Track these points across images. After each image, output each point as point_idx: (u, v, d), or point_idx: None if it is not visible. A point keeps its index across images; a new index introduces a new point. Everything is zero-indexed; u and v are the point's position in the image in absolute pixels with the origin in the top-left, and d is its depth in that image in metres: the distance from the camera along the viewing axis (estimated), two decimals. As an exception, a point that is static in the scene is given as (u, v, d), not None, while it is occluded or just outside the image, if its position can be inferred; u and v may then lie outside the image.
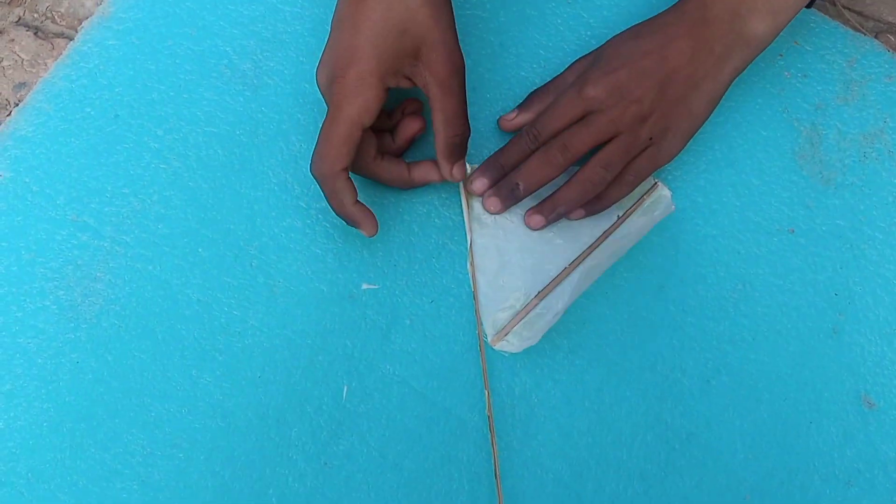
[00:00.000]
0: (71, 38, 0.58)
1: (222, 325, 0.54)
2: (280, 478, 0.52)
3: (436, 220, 0.56)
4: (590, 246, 0.51)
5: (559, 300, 0.52)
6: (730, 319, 0.53)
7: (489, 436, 0.52)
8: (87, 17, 0.59)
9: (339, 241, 0.55)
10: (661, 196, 0.53)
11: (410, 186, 0.52)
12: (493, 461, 0.50)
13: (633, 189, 0.50)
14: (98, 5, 0.59)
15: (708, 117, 0.50)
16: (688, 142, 0.50)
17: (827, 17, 0.60)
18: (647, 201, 0.53)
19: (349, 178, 0.49)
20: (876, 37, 0.59)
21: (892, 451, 0.51)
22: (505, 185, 0.52)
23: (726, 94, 0.55)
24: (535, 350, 0.53)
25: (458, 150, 0.50)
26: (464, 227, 0.55)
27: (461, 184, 0.55)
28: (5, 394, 0.52)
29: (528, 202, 0.53)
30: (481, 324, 0.52)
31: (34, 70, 0.58)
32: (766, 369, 0.52)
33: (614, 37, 0.49)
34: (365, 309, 0.54)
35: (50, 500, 0.51)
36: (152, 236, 0.55)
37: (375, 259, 0.55)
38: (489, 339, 0.53)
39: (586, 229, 0.52)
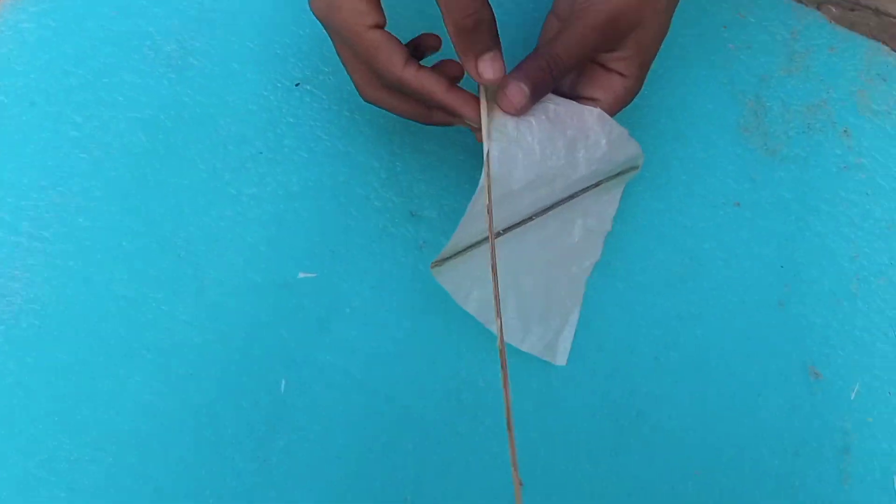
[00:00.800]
0: None
1: (150, 321, 0.50)
2: (217, 478, 0.49)
3: (375, 203, 0.53)
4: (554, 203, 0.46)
5: (503, 248, 0.47)
6: (678, 295, 0.51)
7: (436, 422, 0.49)
8: None
9: (273, 228, 0.52)
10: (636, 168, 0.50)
11: (432, 122, 0.42)
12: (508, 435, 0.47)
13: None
14: None
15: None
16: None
17: None
18: (621, 178, 0.50)
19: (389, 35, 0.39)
20: (818, 8, 0.58)
21: (838, 420, 0.50)
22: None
23: (672, 67, 0.52)
24: (480, 331, 0.51)
25: (477, 37, 0.37)
26: (407, 208, 0.53)
27: (481, 91, 0.43)
28: None
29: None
30: (502, 327, 0.45)
31: (-61, 55, 0.54)
32: (713, 344, 0.50)
33: None
34: (302, 298, 0.51)
35: None
36: (73, 230, 0.51)
37: (312, 246, 0.52)
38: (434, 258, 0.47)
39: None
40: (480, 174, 0.46)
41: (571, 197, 0.48)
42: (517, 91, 0.41)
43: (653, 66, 0.50)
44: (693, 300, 0.50)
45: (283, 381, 0.48)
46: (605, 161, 0.47)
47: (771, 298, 0.50)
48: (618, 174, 0.49)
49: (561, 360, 0.49)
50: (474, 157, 0.52)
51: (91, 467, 0.47)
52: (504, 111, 0.43)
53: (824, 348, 0.50)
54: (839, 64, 0.56)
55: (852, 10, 0.56)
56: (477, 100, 0.42)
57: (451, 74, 0.42)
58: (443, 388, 0.48)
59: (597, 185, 0.49)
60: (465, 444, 0.47)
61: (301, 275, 0.49)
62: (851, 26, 0.56)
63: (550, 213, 0.47)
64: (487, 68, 0.39)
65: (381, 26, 0.38)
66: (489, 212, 0.45)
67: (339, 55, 0.41)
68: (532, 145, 0.46)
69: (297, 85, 0.52)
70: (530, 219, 0.49)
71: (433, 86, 0.40)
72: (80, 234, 0.49)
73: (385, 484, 0.47)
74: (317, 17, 0.40)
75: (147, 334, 0.48)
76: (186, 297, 0.49)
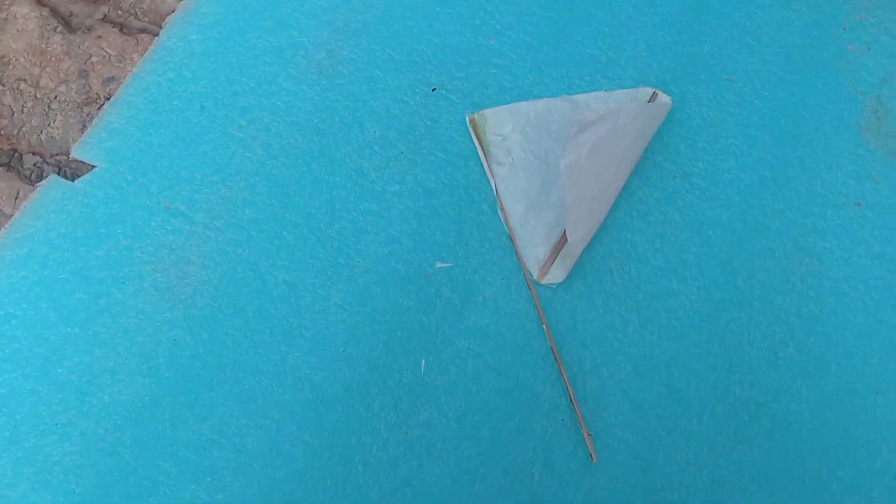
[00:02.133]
0: (154, 34, 0.47)
1: (307, 303, 0.44)
2: (365, 447, 0.43)
3: None
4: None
5: (578, 225, 0.43)
6: (797, 292, 0.41)
7: (562, 406, 0.44)
8: (170, 13, 0.48)
9: (414, 222, 0.45)
10: (663, 104, 0.44)
11: None
12: (569, 398, 0.40)
13: None
14: (179, 1, 0.48)
15: None
16: None
17: None
18: (647, 104, 0.44)
19: None
20: None
21: None
22: None
23: (792, 69, 0.42)
24: (606, 325, 0.43)
25: None
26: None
27: (473, 134, 0.44)
28: (109, 370, 0.43)
29: (542, 157, 0.43)
30: (524, 263, 0.43)
31: (121, 65, 0.48)
32: (832, 341, 0.40)
33: None
34: (440, 287, 0.43)
35: (153, 468, 0.42)
36: (240, 221, 0.45)
37: (448, 239, 0.44)
38: (535, 276, 0.44)
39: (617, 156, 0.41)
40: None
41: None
42: None
43: (773, 68, 0.44)
44: (813, 298, 0.40)
45: (424, 362, 0.41)
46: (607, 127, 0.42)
47: (891, 298, 0.40)
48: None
49: (552, 278, 0.43)
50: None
51: (255, 432, 0.41)
52: None
53: None
54: (967, 64, 0.43)
55: None
56: None
57: None
58: (569, 375, 0.40)
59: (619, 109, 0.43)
60: (590, 428, 0.39)
61: (438, 265, 0.41)
62: None
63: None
64: None
65: None
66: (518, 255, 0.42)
67: None
68: (527, 158, 0.44)
69: (433, 90, 0.44)
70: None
71: None
72: (247, 224, 0.43)
73: (515, 461, 0.40)
74: None
75: (305, 315, 0.42)
76: (339, 283, 0.42)
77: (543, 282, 0.42)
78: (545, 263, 0.41)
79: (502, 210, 0.43)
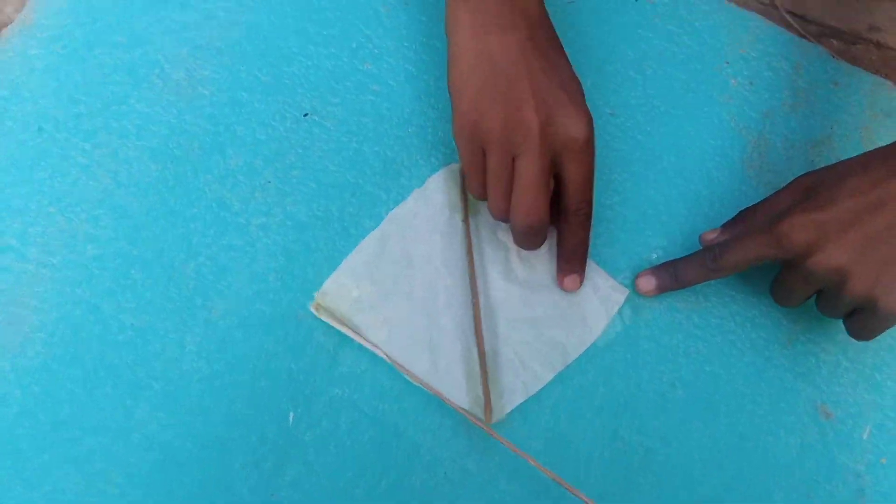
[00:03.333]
0: None
1: (157, 351, 0.38)
2: None
3: None
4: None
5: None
6: (684, 331, 0.39)
7: (444, 459, 0.40)
8: (7, 25, 0.41)
9: (282, 259, 0.39)
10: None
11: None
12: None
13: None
14: (18, 12, 0.41)
15: None
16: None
17: (771, 22, 0.45)
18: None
19: None
20: (820, 41, 0.45)
21: (851, 461, 0.38)
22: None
23: (675, 104, 0.42)
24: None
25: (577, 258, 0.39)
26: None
27: (331, 321, 0.39)
28: None
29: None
30: (465, 411, 0.39)
31: (-53, 81, 0.40)
32: (721, 381, 0.38)
33: (844, 162, 0.33)
34: (311, 331, 0.39)
35: None
36: (81, 258, 0.39)
37: (321, 278, 0.39)
38: (486, 419, 0.40)
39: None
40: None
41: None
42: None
43: (656, 102, 0.43)
44: (700, 336, 0.38)
45: (292, 414, 0.35)
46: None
47: (780, 336, 0.38)
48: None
49: (494, 417, 0.38)
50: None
51: (96, 499, 0.36)
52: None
53: (834, 387, 0.38)
54: (843, 99, 0.43)
55: (854, 43, 0.43)
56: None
57: None
58: (452, 424, 0.36)
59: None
60: (472, 480, 0.35)
61: (311, 306, 0.36)
62: (854, 60, 0.43)
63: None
64: (572, 284, 0.40)
65: None
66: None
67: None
68: (395, 301, 0.41)
69: (305, 115, 0.39)
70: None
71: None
72: (89, 262, 0.37)
73: None
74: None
75: (155, 364, 0.37)
76: (195, 328, 0.36)
77: (498, 420, 0.39)
78: (484, 400, 0.37)
79: (413, 377, 0.38)
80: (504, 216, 0.34)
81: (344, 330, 0.38)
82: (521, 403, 0.39)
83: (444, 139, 0.43)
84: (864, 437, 0.40)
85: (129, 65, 0.43)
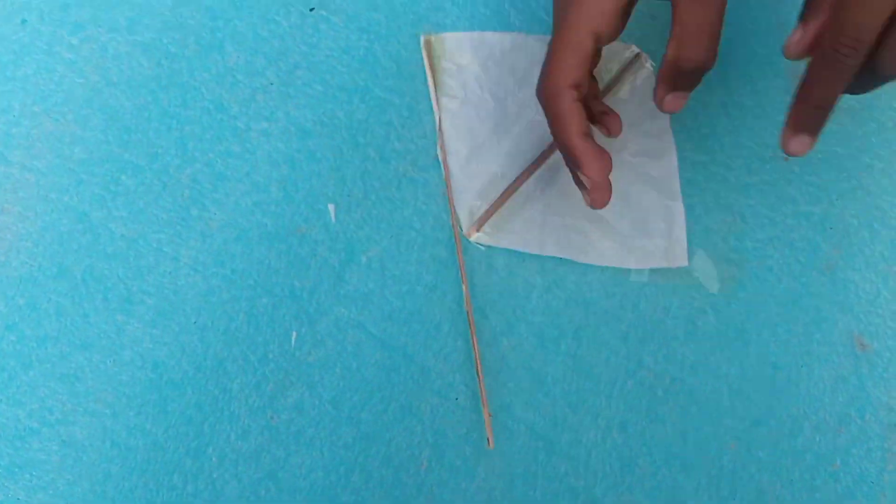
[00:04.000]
0: None
1: (150, 263, 0.35)
2: (221, 435, 0.34)
3: (396, 144, 0.36)
4: None
5: (538, 188, 0.37)
6: (718, 255, 0.35)
7: (454, 383, 0.37)
8: None
9: (285, 168, 0.36)
10: (644, 69, 0.38)
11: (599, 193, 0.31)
12: (475, 371, 0.32)
13: None
14: None
15: None
16: None
17: None
18: (629, 77, 0.38)
19: (579, 101, 0.30)
20: None
21: (885, 396, 0.35)
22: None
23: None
24: (507, 290, 0.35)
25: (686, 79, 0.29)
26: (431, 152, 0.36)
27: (426, 58, 0.38)
28: None
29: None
30: (455, 212, 0.37)
31: (-85, -38, 0.36)
32: (754, 309, 0.35)
33: None
34: (315, 246, 0.35)
35: None
36: (68, 162, 0.35)
37: (326, 189, 0.36)
38: (464, 230, 0.37)
39: None
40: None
41: None
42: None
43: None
44: (734, 260, 0.34)
45: (295, 334, 0.32)
46: None
47: (818, 262, 0.34)
48: (620, 74, 0.38)
49: (682, 261, 0.37)
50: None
51: (85, 419, 0.32)
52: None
53: (872, 317, 0.34)
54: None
55: None
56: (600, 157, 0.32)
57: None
58: (464, 348, 0.32)
59: (610, 88, 0.38)
60: (488, 408, 0.31)
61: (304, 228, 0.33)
62: None
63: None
64: (673, 103, 0.32)
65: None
66: (451, 204, 0.36)
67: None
68: (482, 96, 0.37)
69: (311, 10, 0.35)
70: (552, 150, 0.37)
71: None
72: (76, 166, 0.33)
73: (400, 447, 0.32)
74: None
75: (147, 278, 0.33)
76: (190, 240, 0.33)
77: (472, 239, 0.36)
78: (478, 218, 0.34)
79: (442, 149, 0.36)
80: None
81: (428, 76, 0.38)
82: (540, 324, 0.36)
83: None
84: (904, 370, 0.37)
85: (117, -50, 0.38)
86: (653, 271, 0.38)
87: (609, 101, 0.38)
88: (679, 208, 0.37)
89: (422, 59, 0.38)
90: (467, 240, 0.37)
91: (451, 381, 0.36)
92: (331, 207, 0.35)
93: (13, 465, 0.35)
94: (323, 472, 0.35)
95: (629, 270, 0.38)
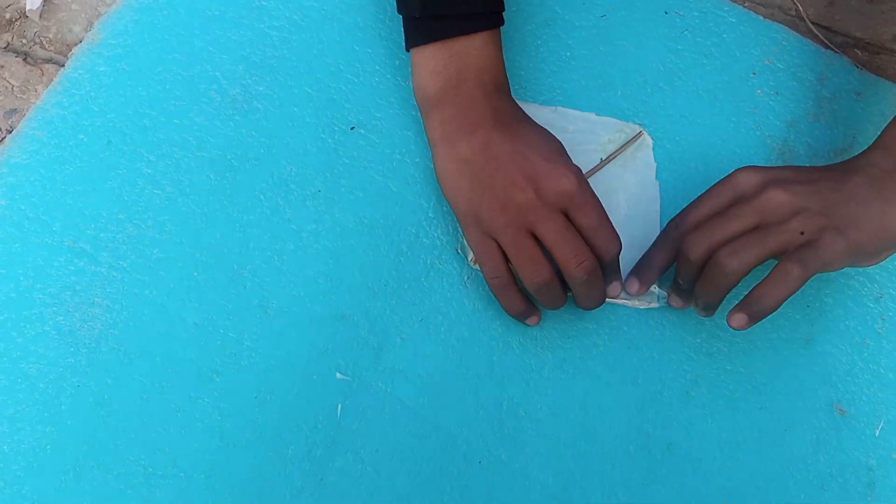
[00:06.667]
0: (60, 64, 0.43)
1: (218, 346, 0.40)
2: (278, 495, 0.39)
3: (424, 241, 0.42)
4: None
5: None
6: (707, 331, 0.40)
7: (479, 449, 0.42)
8: (77, 43, 0.44)
9: (331, 262, 0.42)
10: (643, 145, 0.42)
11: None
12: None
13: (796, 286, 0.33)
14: (87, 31, 0.44)
15: (871, 244, 0.34)
16: (850, 254, 0.33)
17: (797, 33, 0.46)
18: (630, 149, 0.42)
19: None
20: (845, 52, 0.45)
21: (863, 456, 0.39)
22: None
23: (702, 113, 0.44)
24: (522, 365, 0.41)
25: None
26: (453, 246, 0.42)
27: None
28: (9, 418, 0.40)
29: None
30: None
31: (25, 96, 0.43)
32: (742, 379, 0.39)
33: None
34: (357, 329, 0.41)
35: None
36: (148, 261, 0.42)
37: (366, 280, 0.42)
38: (468, 259, 0.42)
39: None
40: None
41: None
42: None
43: (684, 112, 0.44)
44: (722, 337, 0.39)
45: (340, 406, 0.38)
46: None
47: (797, 336, 0.39)
48: (623, 147, 0.42)
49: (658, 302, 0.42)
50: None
51: (163, 482, 0.38)
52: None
53: (850, 385, 0.39)
54: (866, 109, 0.43)
55: (878, 53, 0.43)
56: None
57: None
58: (486, 417, 0.38)
59: (602, 164, 0.42)
60: (505, 469, 0.38)
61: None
62: (877, 70, 0.43)
63: None
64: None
65: None
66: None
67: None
68: None
69: (352, 129, 0.41)
70: None
71: None
72: (155, 264, 0.40)
73: None
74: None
75: (216, 359, 0.39)
76: (252, 325, 0.39)
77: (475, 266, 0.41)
78: None
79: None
80: (545, 279, 0.35)
81: None
82: (552, 395, 0.41)
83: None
84: (877, 433, 0.41)
85: (188, 81, 0.45)
86: (651, 343, 0.43)
87: (604, 169, 0.43)
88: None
89: None
90: (488, 317, 0.42)
91: (476, 446, 0.42)
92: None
93: (103, 522, 0.41)
94: (366, 527, 0.40)
95: (630, 346, 0.43)
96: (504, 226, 0.33)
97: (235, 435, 0.41)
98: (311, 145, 0.43)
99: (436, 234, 0.43)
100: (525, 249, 0.33)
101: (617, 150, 0.40)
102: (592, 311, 0.41)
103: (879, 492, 0.40)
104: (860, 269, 0.43)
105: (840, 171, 0.33)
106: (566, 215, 0.33)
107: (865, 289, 0.43)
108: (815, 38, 0.46)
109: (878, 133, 0.41)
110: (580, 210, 0.33)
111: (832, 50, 0.46)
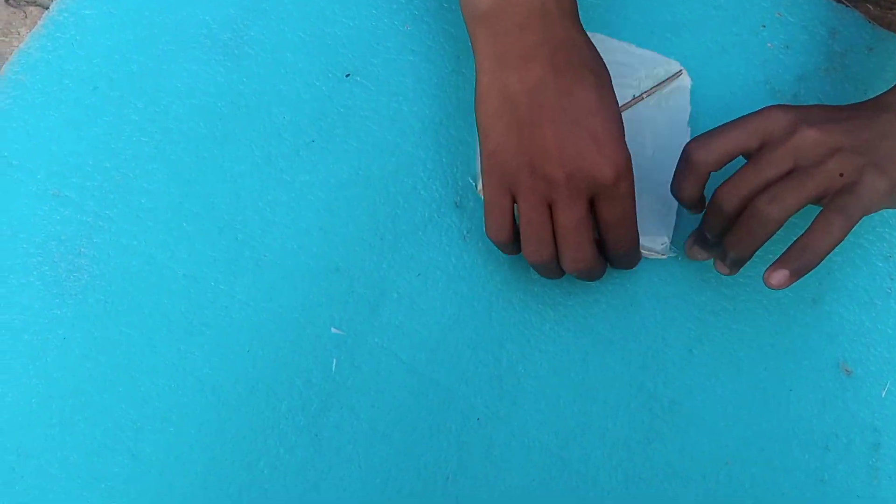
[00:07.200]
0: (44, 7, 0.41)
1: (209, 299, 0.39)
2: (271, 449, 0.38)
3: (422, 192, 0.41)
4: None
5: None
6: (711, 289, 0.39)
7: (477, 405, 0.41)
8: None
9: (325, 215, 0.40)
10: (681, 86, 0.40)
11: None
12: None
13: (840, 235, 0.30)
14: None
15: None
16: (892, 193, 0.31)
17: None
18: (666, 88, 0.39)
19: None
20: (856, 7, 0.43)
21: (868, 416, 0.38)
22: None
23: (712, 67, 0.42)
24: (522, 321, 0.39)
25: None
26: (452, 198, 0.40)
27: None
28: None
29: None
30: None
31: (7, 39, 0.41)
32: (746, 338, 0.38)
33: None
34: (352, 282, 0.39)
35: (41, 475, 0.37)
36: (136, 210, 0.40)
37: (361, 233, 0.40)
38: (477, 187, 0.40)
39: None
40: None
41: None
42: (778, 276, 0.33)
43: (693, 65, 0.42)
44: (727, 294, 0.38)
45: (335, 361, 0.36)
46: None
47: (805, 295, 0.38)
48: (659, 84, 0.39)
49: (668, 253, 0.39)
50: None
51: (152, 437, 0.37)
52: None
53: (856, 345, 0.37)
54: (877, 65, 0.42)
55: (890, 9, 0.41)
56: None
57: None
58: (485, 374, 0.36)
59: (639, 98, 0.39)
60: (504, 426, 0.36)
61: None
62: (889, 26, 0.41)
63: None
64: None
65: None
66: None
67: None
68: None
69: (347, 76, 0.39)
70: None
71: None
72: (143, 214, 0.38)
73: (428, 462, 0.36)
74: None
75: (206, 312, 0.38)
76: (243, 278, 0.37)
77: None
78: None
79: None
80: (544, 260, 0.32)
81: None
82: (553, 353, 0.40)
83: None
84: (883, 394, 0.40)
85: (178, 25, 0.43)
86: (654, 300, 0.41)
87: (636, 107, 0.41)
88: (672, 220, 0.40)
89: (442, 117, 0.42)
90: (488, 272, 0.40)
91: (474, 403, 0.40)
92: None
93: (90, 477, 0.40)
94: (360, 483, 0.39)
95: (632, 302, 0.42)
96: (526, 190, 0.30)
97: (227, 389, 0.40)
98: (305, 93, 0.41)
99: (434, 187, 0.41)
100: (535, 225, 0.31)
101: (653, 87, 0.38)
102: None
103: (884, 452, 0.39)
104: (869, 228, 0.42)
105: (870, 108, 0.31)
106: (592, 200, 0.30)
107: (875, 248, 0.42)
108: (827, -11, 0.44)
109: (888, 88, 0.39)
110: (607, 203, 0.30)
111: (844, 4, 0.44)
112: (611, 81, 0.30)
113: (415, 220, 0.41)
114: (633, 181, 0.30)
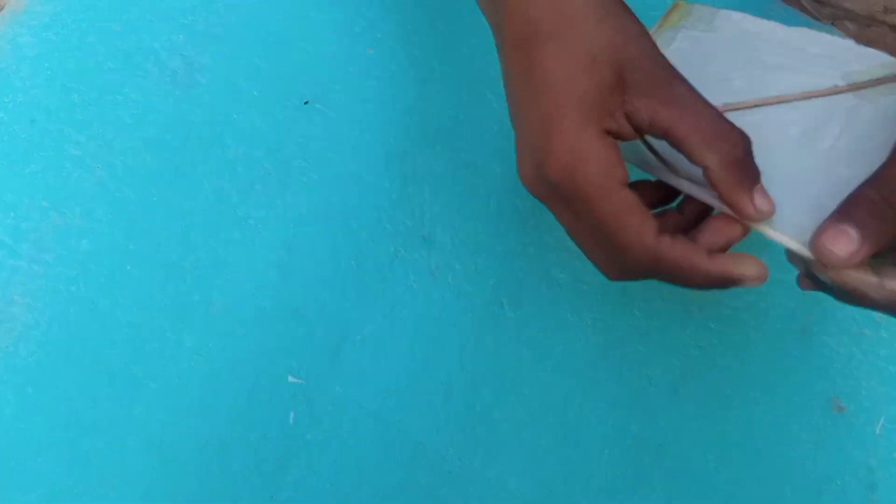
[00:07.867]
0: None
1: (155, 349, 0.35)
2: None
3: (386, 226, 0.37)
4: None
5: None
6: (696, 323, 0.36)
7: (450, 457, 0.37)
8: None
9: (282, 252, 0.36)
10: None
11: (703, 282, 0.25)
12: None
13: None
14: None
15: None
16: None
17: (787, 4, 0.42)
18: (883, 88, 0.31)
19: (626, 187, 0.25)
20: (834, 23, 0.41)
21: (863, 456, 0.35)
22: None
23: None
24: (497, 363, 0.36)
25: (746, 168, 0.24)
26: (419, 232, 0.37)
27: (667, 15, 0.33)
28: None
29: None
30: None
31: (-67, 70, 0.37)
32: (734, 374, 0.35)
33: None
34: (312, 326, 0.36)
35: None
36: (75, 254, 0.36)
37: (321, 271, 0.37)
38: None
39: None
40: (492, 198, 0.35)
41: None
42: (840, 238, 0.23)
43: None
44: (713, 328, 0.35)
45: (293, 413, 0.33)
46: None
47: (794, 326, 0.35)
48: (875, 80, 0.31)
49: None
50: (488, 179, 0.37)
51: (93, 503, 0.31)
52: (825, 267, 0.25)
53: (848, 380, 0.35)
54: (856, 85, 0.39)
55: (869, 26, 0.40)
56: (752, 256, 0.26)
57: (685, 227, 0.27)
58: (458, 422, 0.33)
59: (834, 90, 0.31)
60: (480, 479, 0.33)
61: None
62: (869, 42, 0.40)
63: (797, 104, 0.30)
64: (764, 200, 0.25)
65: (626, 183, 0.24)
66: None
67: (572, 235, 0.27)
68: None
69: (305, 103, 0.36)
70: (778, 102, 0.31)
71: (695, 257, 0.25)
72: (83, 257, 0.34)
73: None
74: (551, 182, 0.24)
75: (152, 363, 0.34)
76: (193, 325, 0.33)
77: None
78: None
79: None
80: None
81: (657, 30, 0.33)
82: (530, 396, 0.37)
83: (449, 126, 0.40)
84: (877, 431, 0.37)
85: (123, 52, 0.40)
86: (637, 336, 0.38)
87: (835, 97, 0.34)
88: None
89: (408, 146, 0.39)
90: (459, 311, 0.37)
91: (446, 455, 0.37)
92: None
93: (22, 551, 0.35)
94: (323, 549, 0.35)
95: (614, 339, 0.38)
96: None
97: (175, 448, 0.36)
98: (261, 122, 0.38)
99: (400, 220, 0.38)
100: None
101: (865, 82, 0.31)
102: (572, 302, 0.36)
103: (881, 493, 0.36)
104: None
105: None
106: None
107: (861, 275, 0.39)
108: (804, 10, 0.43)
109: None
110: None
111: (822, 22, 0.42)
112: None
113: (379, 257, 0.38)
114: None
